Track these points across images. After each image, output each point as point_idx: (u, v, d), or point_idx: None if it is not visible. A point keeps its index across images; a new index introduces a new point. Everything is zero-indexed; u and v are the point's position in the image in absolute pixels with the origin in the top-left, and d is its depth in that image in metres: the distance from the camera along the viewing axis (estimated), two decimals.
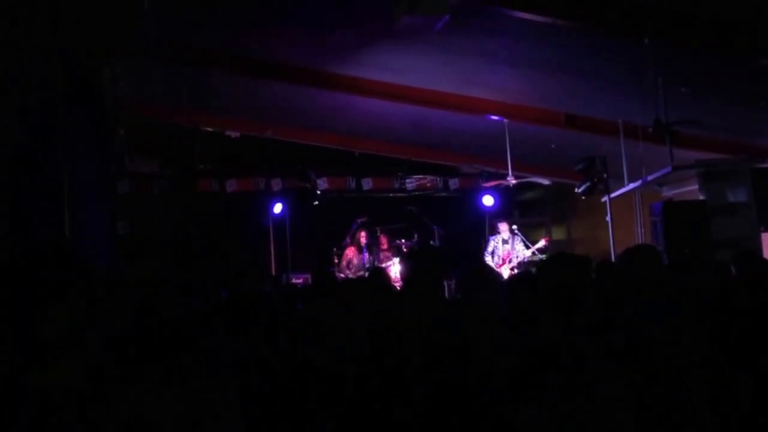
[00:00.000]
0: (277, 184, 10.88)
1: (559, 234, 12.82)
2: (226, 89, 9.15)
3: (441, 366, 2.62)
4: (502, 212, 10.26)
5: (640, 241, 9.94)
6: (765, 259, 5.07)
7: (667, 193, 10.21)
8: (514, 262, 9.40)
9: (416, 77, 7.85)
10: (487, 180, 10.54)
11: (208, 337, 2.74)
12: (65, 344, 1.40)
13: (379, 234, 9.98)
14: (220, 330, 3.01)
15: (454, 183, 11.20)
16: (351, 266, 9.66)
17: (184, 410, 1.42)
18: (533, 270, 9.77)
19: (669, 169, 7.33)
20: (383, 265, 9.39)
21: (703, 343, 2.32)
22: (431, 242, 9.88)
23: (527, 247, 9.51)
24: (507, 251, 9.52)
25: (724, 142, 8.63)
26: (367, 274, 9.32)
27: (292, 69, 7.92)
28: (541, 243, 9.60)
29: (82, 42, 5.92)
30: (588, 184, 9.01)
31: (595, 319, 2.36)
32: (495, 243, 9.62)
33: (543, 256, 9.40)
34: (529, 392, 2.23)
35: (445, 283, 8.36)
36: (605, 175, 8.74)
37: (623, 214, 9.92)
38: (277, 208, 10.59)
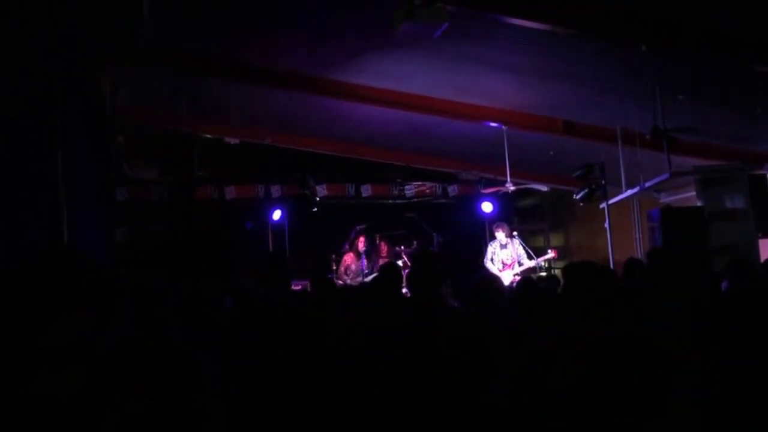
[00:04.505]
0: (276, 191, 10.88)
1: (557, 240, 12.84)
2: (225, 96, 9.17)
3: (447, 375, 2.62)
4: (501, 218, 10.25)
5: (639, 247, 9.96)
6: (759, 267, 5.07)
7: (665, 199, 10.24)
8: (518, 269, 9.31)
9: (415, 84, 7.87)
10: (486, 187, 10.55)
11: (204, 351, 2.74)
12: (70, 353, 1.41)
13: (378, 241, 9.98)
14: (217, 344, 3.01)
15: (453, 189, 11.20)
16: (349, 272, 9.65)
17: (175, 420, 1.43)
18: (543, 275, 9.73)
19: (667, 175, 7.36)
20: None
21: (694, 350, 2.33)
22: (430, 248, 9.87)
23: (529, 255, 9.42)
24: (509, 256, 9.43)
25: (721, 149, 8.67)
26: (365, 279, 9.33)
27: (291, 76, 7.94)
28: (550, 254, 9.50)
29: (81, 49, 5.94)
30: (586, 190, 9.03)
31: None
32: (493, 249, 9.56)
33: (555, 266, 9.33)
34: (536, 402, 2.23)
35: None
36: (603, 182, 8.76)
37: (621, 221, 9.94)
38: (277, 214, 10.59)
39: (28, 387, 1.38)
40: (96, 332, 1.46)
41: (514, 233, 9.61)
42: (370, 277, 9.33)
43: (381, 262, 9.67)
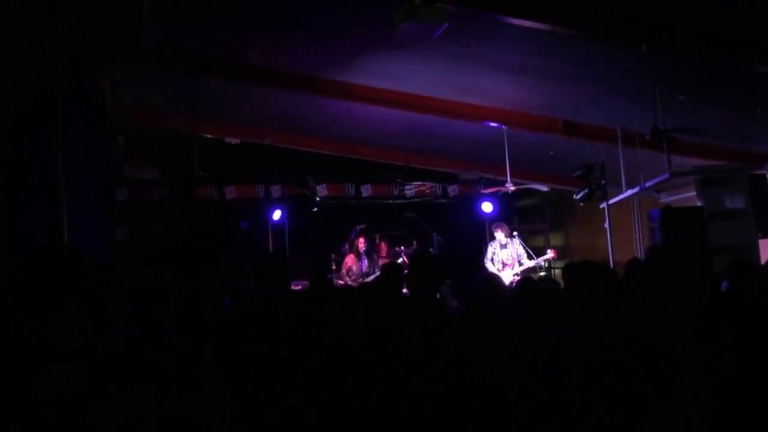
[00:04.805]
0: (276, 191, 10.88)
1: (557, 240, 12.84)
2: (226, 96, 9.17)
3: (444, 374, 2.62)
4: (501, 218, 10.25)
5: (639, 248, 9.96)
6: (761, 268, 5.06)
7: (665, 199, 10.24)
8: (517, 269, 9.31)
9: (415, 84, 7.87)
10: (486, 187, 10.55)
11: (204, 347, 2.74)
12: (73, 351, 1.41)
13: (378, 241, 9.98)
14: (217, 340, 3.01)
15: (453, 189, 11.20)
16: (351, 274, 9.67)
17: (176, 419, 1.43)
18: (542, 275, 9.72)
19: (667, 175, 7.36)
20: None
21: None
22: (430, 249, 9.88)
23: (530, 255, 9.43)
24: (508, 256, 9.44)
25: (721, 149, 8.66)
26: (365, 280, 9.33)
27: (291, 76, 7.94)
28: (549, 254, 9.51)
29: (81, 50, 5.94)
30: (586, 190, 9.03)
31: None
32: (493, 249, 9.59)
33: (554, 266, 9.32)
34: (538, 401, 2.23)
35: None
36: (603, 182, 8.76)
37: (621, 221, 9.93)
38: (277, 214, 10.60)
39: (29, 386, 1.38)
40: (97, 332, 1.46)
41: (514, 233, 9.61)
42: (370, 278, 9.34)
43: (381, 262, 9.68)
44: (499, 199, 10.50)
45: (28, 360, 1.40)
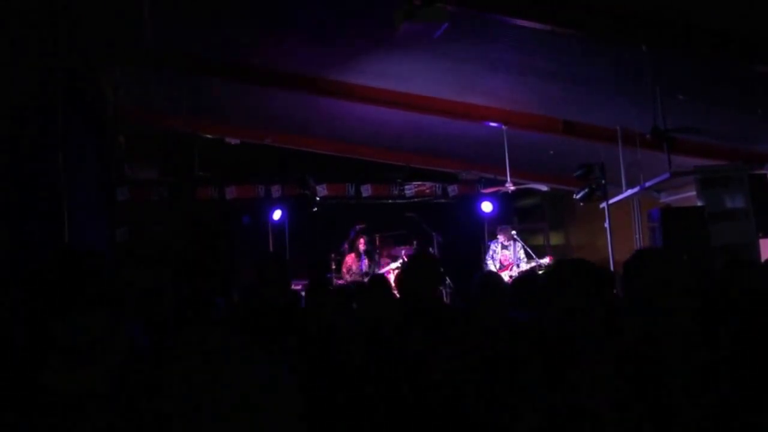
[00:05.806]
0: (276, 191, 10.88)
1: (557, 240, 12.84)
2: (226, 96, 9.18)
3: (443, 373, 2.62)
4: (501, 218, 10.26)
5: (638, 248, 9.94)
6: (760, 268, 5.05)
7: (665, 199, 10.24)
8: (515, 271, 9.33)
9: (415, 84, 7.88)
10: (486, 186, 10.55)
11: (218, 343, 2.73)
12: (92, 352, 1.41)
13: (378, 241, 10.00)
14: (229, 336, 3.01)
15: (452, 189, 11.20)
16: (351, 273, 9.68)
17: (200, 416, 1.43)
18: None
19: (667, 175, 7.36)
20: (382, 270, 9.40)
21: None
22: (429, 249, 9.89)
23: (529, 256, 9.44)
24: (507, 258, 9.47)
25: (721, 149, 8.67)
26: (366, 279, 9.34)
27: (291, 76, 7.95)
28: (545, 260, 9.52)
29: (82, 50, 5.94)
30: (586, 190, 9.03)
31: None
32: (494, 248, 9.62)
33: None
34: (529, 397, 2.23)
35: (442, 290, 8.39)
36: (603, 182, 8.76)
37: (621, 221, 9.93)
38: (277, 214, 10.60)
39: (43, 386, 1.39)
40: (112, 332, 1.46)
41: (514, 232, 9.62)
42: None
43: (382, 261, 9.70)
44: (499, 199, 10.50)
45: (39, 360, 1.41)
